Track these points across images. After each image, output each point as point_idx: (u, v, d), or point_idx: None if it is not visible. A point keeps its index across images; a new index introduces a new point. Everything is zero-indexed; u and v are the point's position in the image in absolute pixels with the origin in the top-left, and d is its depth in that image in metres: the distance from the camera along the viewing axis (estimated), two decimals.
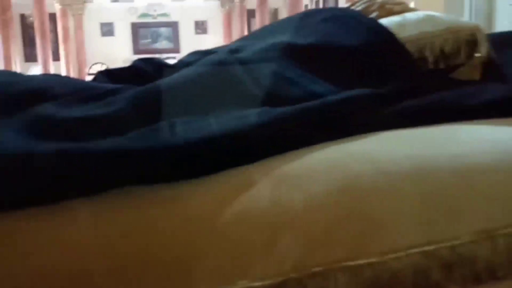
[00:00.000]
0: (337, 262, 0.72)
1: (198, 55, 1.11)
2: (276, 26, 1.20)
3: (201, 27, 10.60)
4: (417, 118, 0.86)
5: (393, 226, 0.74)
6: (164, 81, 0.92)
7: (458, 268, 0.74)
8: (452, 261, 0.74)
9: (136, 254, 0.67)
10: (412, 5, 5.31)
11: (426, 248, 0.73)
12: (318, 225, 0.73)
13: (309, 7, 7.34)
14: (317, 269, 0.72)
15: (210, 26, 10.76)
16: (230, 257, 0.66)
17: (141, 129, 0.77)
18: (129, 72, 1.16)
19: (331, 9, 1.13)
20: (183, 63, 1.15)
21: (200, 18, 10.74)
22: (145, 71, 1.15)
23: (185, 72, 0.97)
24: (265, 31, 1.19)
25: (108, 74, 1.15)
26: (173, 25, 10.42)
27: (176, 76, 0.95)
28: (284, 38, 1.03)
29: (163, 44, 10.56)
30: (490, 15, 5.25)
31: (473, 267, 0.75)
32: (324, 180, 0.77)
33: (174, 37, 10.48)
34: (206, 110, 0.83)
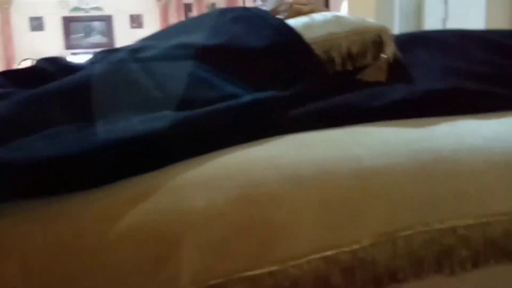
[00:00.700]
0: (236, 273, 0.70)
1: (103, 54, 1.06)
2: (187, 24, 1.16)
3: (136, 21, 10.33)
4: (322, 121, 0.86)
5: (293, 233, 0.73)
6: (54, 85, 0.86)
7: (359, 272, 0.74)
8: (352, 265, 0.74)
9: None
10: (345, 3, 5.40)
11: (327, 253, 0.73)
12: (216, 235, 0.71)
13: (246, 2, 7.33)
14: (216, 281, 0.70)
15: (146, 20, 10.50)
16: (113, 278, 0.63)
17: (23, 137, 0.71)
18: (30, 74, 1.09)
19: (239, 8, 1.10)
20: (90, 63, 1.09)
21: (135, 11, 10.46)
22: (48, 72, 1.08)
23: (82, 72, 0.91)
24: (175, 29, 1.15)
25: (5, 76, 1.07)
26: (107, 19, 10.10)
27: (70, 78, 0.89)
28: (195, 37, 1.00)
29: (96, 38, 10.21)
30: (419, 11, 5.42)
31: (374, 270, 0.75)
32: (225, 187, 0.74)
33: (108, 32, 10.16)
34: (100, 114, 0.79)
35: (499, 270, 0.81)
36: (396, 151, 0.80)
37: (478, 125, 0.89)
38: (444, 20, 5.17)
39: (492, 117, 0.92)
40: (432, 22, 5.24)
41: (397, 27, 5.29)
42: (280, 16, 1.08)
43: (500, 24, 3.93)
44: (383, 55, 1.00)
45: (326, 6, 6.12)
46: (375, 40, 1.01)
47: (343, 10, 5.56)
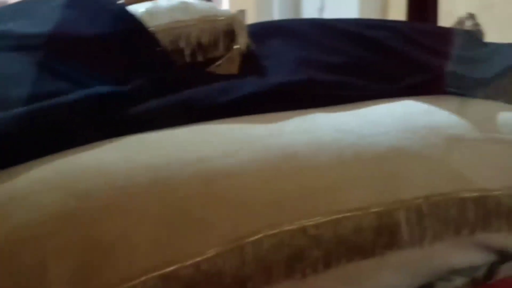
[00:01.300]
0: None
1: None
2: (15, 8, 1.01)
3: None
4: (163, 119, 0.77)
5: (125, 252, 0.64)
6: None
7: (204, 287, 0.68)
8: (195, 280, 0.66)
9: None
10: None
11: (165, 270, 0.65)
12: (29, 261, 0.60)
13: None
14: None
15: None
16: None
17: None
18: None
19: None
20: None
21: None
22: None
23: None
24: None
25: None
26: None
27: None
28: (16, 25, 0.86)
29: None
30: (297, 2, 5.52)
31: (220, 283, 0.68)
32: (44, 202, 0.63)
33: None
34: None
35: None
36: (243, 150, 0.74)
37: (331, 118, 0.86)
38: (321, 10, 5.33)
39: (346, 109, 0.89)
40: (309, 12, 5.38)
41: (276, 17, 5.36)
42: (121, 1, 0.97)
43: (372, 13, 4.10)
44: (236, 46, 0.93)
45: None
46: (227, 29, 0.94)
47: (225, 3, 5.52)
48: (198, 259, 0.67)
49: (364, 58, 0.99)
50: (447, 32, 1.23)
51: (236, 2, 5.52)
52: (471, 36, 1.25)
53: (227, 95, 0.82)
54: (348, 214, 0.76)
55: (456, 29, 1.33)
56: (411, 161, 0.84)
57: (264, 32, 1.04)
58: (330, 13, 5.14)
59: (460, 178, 0.87)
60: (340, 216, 0.75)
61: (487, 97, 1.09)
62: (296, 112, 0.86)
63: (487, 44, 1.25)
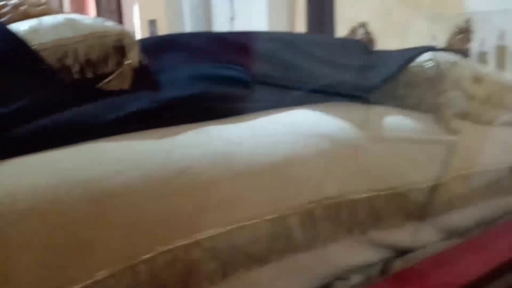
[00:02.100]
0: None
1: None
2: None
3: None
4: (48, 139, 0.74)
5: (7, 280, 0.61)
6: None
7: None
8: None
9: None
10: (136, 6, 5.25)
11: None
12: None
13: None
14: None
15: None
16: None
17: None
18: None
19: None
20: None
21: None
22: None
23: None
24: None
25: None
26: None
27: None
28: None
29: None
30: (208, 12, 5.55)
31: None
32: None
33: None
34: None
35: None
36: (132, 168, 0.73)
37: (224, 130, 0.87)
38: (232, 19, 5.38)
39: (240, 121, 0.91)
40: (221, 22, 5.42)
41: (188, 27, 5.35)
42: (3, 20, 0.92)
43: (280, 21, 4.20)
44: (127, 61, 0.92)
45: (118, 9, 5.89)
46: (117, 44, 0.92)
47: (136, 13, 5.43)
48: (87, 282, 0.65)
49: (255, 70, 1.02)
50: (339, 42, 1.29)
51: (147, 13, 5.46)
52: (361, 44, 1.33)
53: (116, 111, 0.80)
54: (242, 224, 0.78)
55: (348, 38, 1.41)
56: (302, 168, 0.87)
57: (158, 46, 1.04)
58: (241, 23, 5.22)
59: (350, 181, 0.91)
60: (234, 226, 0.77)
61: (376, 102, 1.16)
62: (189, 126, 0.86)
63: (375, 52, 1.33)
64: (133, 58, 0.93)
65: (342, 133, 0.95)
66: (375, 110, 1.08)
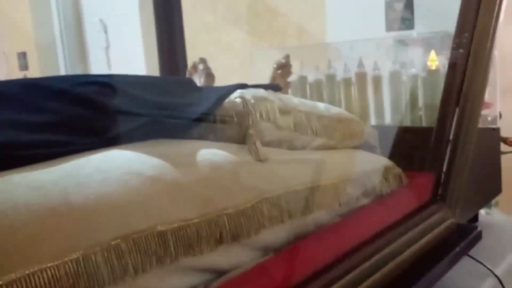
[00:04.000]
0: None
1: None
2: None
3: None
4: None
5: None
6: None
7: None
8: None
9: None
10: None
11: None
12: None
13: None
14: None
15: None
16: None
17: None
18: None
19: None
20: None
21: None
22: None
23: None
24: None
25: None
26: None
27: None
28: None
29: None
30: (81, 42, 5.47)
31: None
32: None
33: None
34: None
35: None
36: None
37: (28, 176, 0.91)
38: (107, 48, 5.35)
39: (47, 166, 0.95)
40: (96, 51, 5.36)
41: (61, 59, 5.22)
42: None
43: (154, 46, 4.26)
44: None
45: None
46: None
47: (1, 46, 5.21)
48: None
49: (70, 115, 1.07)
50: (166, 82, 1.39)
51: (17, 46, 5.25)
52: (187, 82, 1.43)
53: None
54: (44, 265, 0.82)
55: (177, 78, 1.51)
56: (109, 205, 0.93)
57: None
58: (116, 51, 5.20)
59: (159, 213, 0.99)
60: (31, 271, 0.80)
61: (198, 137, 1.26)
62: None
63: (202, 89, 1.44)
64: None
65: (151, 169, 1.03)
66: (192, 145, 1.18)
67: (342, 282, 1.15)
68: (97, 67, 5.07)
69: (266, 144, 1.26)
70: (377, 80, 2.09)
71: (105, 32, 5.06)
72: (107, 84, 1.17)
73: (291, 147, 1.35)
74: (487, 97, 1.79)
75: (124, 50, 4.93)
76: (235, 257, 1.11)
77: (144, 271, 0.95)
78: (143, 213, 0.97)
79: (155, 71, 2.41)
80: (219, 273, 1.09)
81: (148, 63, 4.54)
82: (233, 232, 1.09)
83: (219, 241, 1.07)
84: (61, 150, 0.99)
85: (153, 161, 1.06)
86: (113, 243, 0.90)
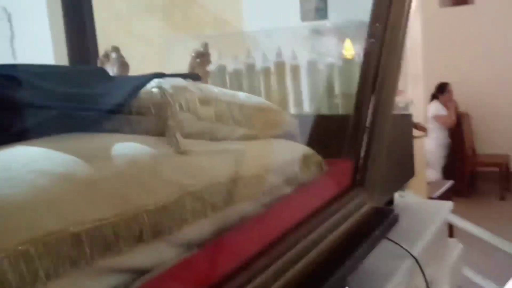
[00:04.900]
0: None
1: None
2: None
3: None
4: None
5: None
6: None
7: None
8: None
9: None
10: None
11: None
12: None
13: None
14: None
15: None
16: None
17: None
18: None
19: None
20: None
21: None
22: None
23: None
24: None
25: None
26: None
27: None
28: None
29: None
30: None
31: None
32: None
33: None
34: None
35: None
36: None
37: None
38: (12, 38, 5.02)
39: None
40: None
41: None
42: None
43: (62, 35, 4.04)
44: None
45: None
46: None
47: None
48: None
49: None
50: (75, 72, 1.29)
51: None
52: (99, 72, 1.35)
53: None
54: None
55: (84, 67, 1.42)
56: (14, 207, 0.85)
57: None
58: (21, 41, 4.88)
59: (73, 214, 0.92)
60: None
61: (112, 130, 1.19)
62: None
63: (115, 79, 1.36)
64: None
65: (61, 166, 0.95)
66: (106, 139, 1.11)
67: (269, 271, 1.14)
68: (0, 58, 4.73)
69: (186, 136, 1.21)
70: (295, 70, 2.11)
71: (9, 20, 4.74)
72: (9, 75, 1.07)
73: (213, 138, 1.31)
74: (399, 84, 1.86)
75: (31, 39, 4.63)
76: (157, 255, 1.06)
77: (57, 276, 0.88)
78: (53, 214, 0.89)
79: (64, 61, 2.27)
80: (141, 272, 1.03)
81: (56, 53, 4.30)
82: (154, 229, 1.03)
83: (139, 239, 1.01)
84: None
85: (64, 158, 0.98)
86: (20, 248, 0.82)
